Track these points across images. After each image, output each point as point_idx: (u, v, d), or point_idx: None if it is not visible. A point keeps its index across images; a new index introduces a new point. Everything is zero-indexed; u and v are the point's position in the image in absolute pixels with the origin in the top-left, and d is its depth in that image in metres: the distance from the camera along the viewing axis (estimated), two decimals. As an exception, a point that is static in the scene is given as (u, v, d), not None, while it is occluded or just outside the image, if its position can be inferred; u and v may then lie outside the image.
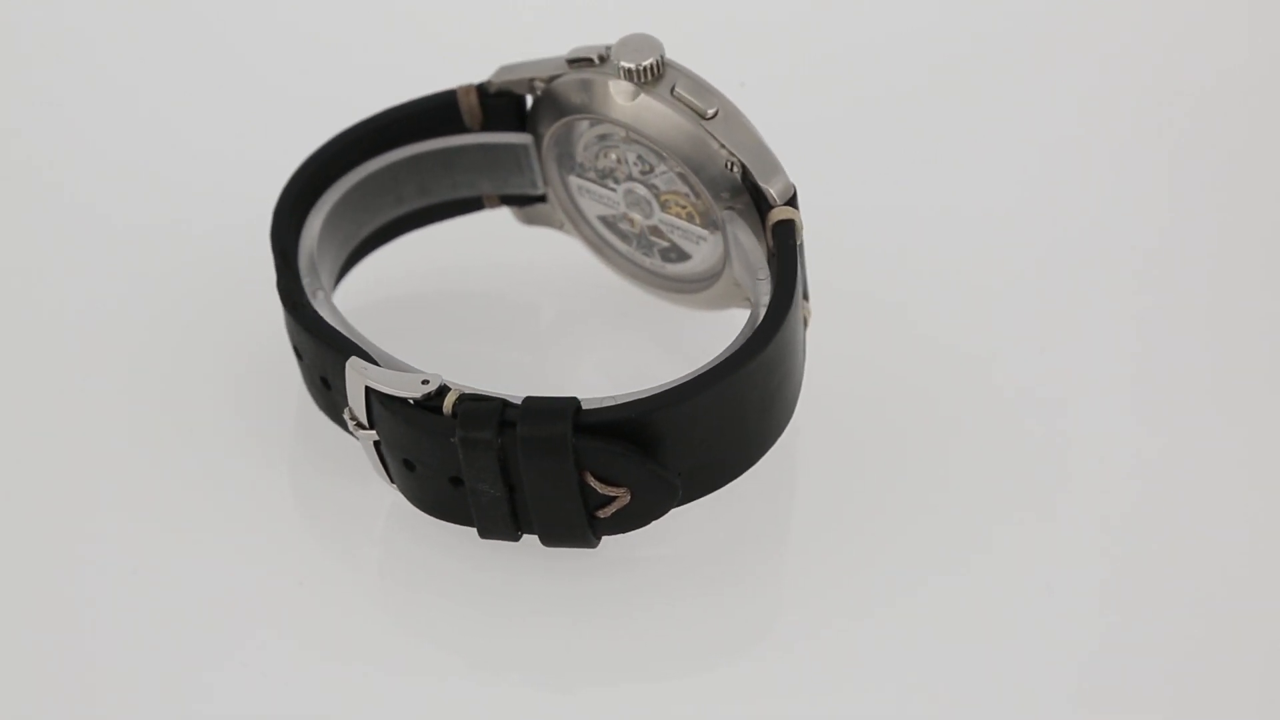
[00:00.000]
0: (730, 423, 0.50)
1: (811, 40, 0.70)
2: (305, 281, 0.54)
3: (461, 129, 0.57)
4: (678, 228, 0.56)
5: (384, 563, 0.53)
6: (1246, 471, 0.54)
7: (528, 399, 0.49)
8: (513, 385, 0.51)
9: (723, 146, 0.53)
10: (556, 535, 0.50)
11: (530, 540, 0.51)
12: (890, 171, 0.65)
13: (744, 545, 0.54)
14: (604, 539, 0.51)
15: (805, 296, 0.54)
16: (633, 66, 0.53)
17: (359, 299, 0.58)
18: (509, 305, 0.60)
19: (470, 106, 0.56)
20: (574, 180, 0.57)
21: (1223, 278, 0.60)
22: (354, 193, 0.56)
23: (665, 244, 0.56)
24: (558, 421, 0.48)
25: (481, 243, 0.60)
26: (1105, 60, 0.68)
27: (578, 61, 0.54)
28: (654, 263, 0.57)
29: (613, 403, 0.49)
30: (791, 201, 0.52)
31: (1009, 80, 0.68)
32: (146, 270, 0.60)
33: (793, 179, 0.52)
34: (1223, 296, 0.59)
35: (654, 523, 0.50)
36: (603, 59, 0.54)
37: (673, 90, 0.53)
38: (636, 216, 0.56)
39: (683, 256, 0.56)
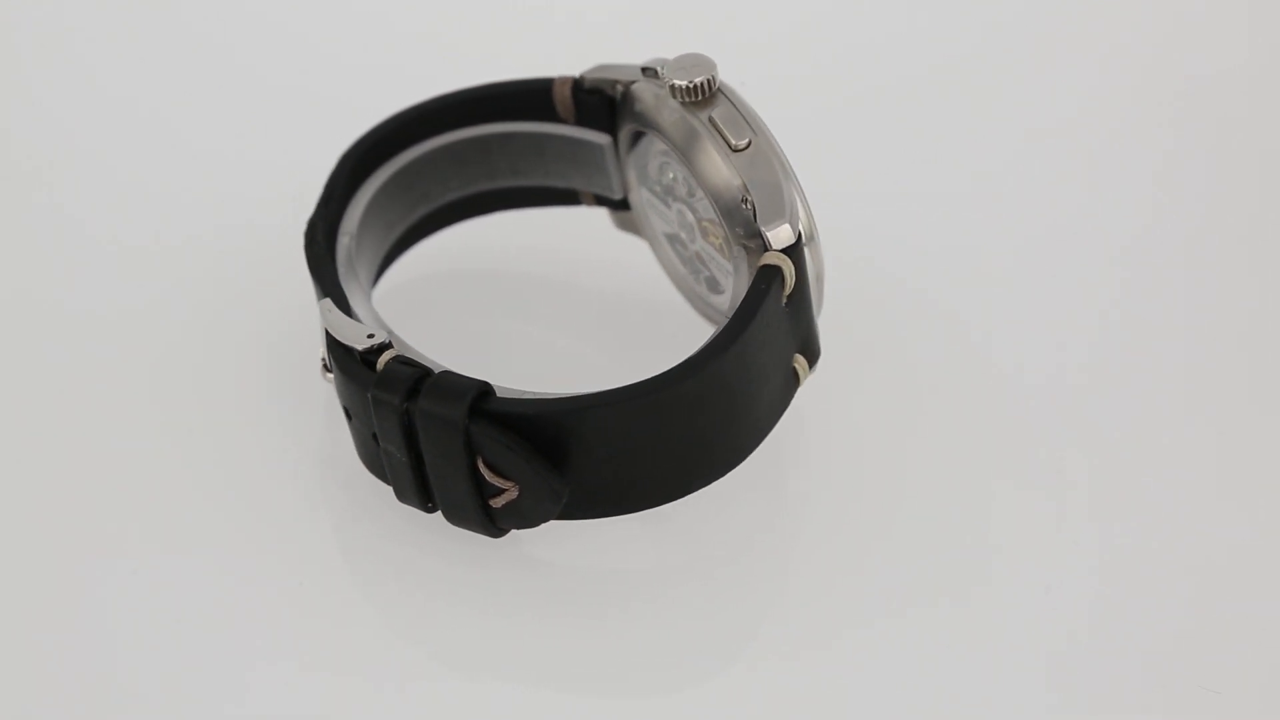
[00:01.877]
0: (644, 449, 0.49)
1: (811, 39, 0.69)
2: (343, 225, 0.56)
3: (556, 118, 0.57)
4: (713, 258, 0.55)
5: (391, 564, 0.53)
6: (1250, 470, 0.54)
7: (443, 373, 0.49)
8: (560, 380, 0.52)
9: (741, 182, 0.52)
10: (456, 515, 0.50)
11: (537, 544, 0.52)
12: (889, 171, 0.64)
13: (733, 550, 0.53)
14: (592, 542, 0.52)
15: (806, 353, 0.52)
16: (678, 84, 0.52)
17: (443, 264, 0.60)
18: (594, 301, 0.60)
19: (563, 98, 0.57)
20: (645, 193, 0.57)
21: (1224, 275, 0.59)
22: (438, 155, 0.58)
23: (707, 273, 0.56)
24: (455, 402, 0.48)
25: (590, 238, 0.61)
26: (1106, 58, 0.68)
27: (648, 70, 0.54)
28: (702, 290, 0.57)
29: (530, 397, 0.49)
30: (792, 250, 0.51)
31: (1008, 79, 0.67)
32: (155, 272, 0.62)
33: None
34: (1225, 294, 0.59)
35: (651, 526, 0.51)
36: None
37: (710, 116, 0.52)
38: (685, 238, 0.56)
39: (721, 289, 0.55)
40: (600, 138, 0.57)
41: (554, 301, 0.60)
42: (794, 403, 0.53)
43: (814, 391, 0.54)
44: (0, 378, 0.58)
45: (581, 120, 0.57)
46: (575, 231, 0.61)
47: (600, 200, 0.59)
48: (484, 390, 0.49)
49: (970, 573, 0.52)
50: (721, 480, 0.52)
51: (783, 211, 0.51)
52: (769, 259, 0.50)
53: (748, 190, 0.51)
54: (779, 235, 0.51)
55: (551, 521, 0.51)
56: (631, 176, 0.57)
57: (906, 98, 0.67)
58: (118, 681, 0.50)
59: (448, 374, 0.49)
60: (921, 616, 0.51)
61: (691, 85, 0.52)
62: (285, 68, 0.70)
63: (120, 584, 0.52)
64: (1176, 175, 0.63)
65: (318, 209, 0.55)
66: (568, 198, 0.59)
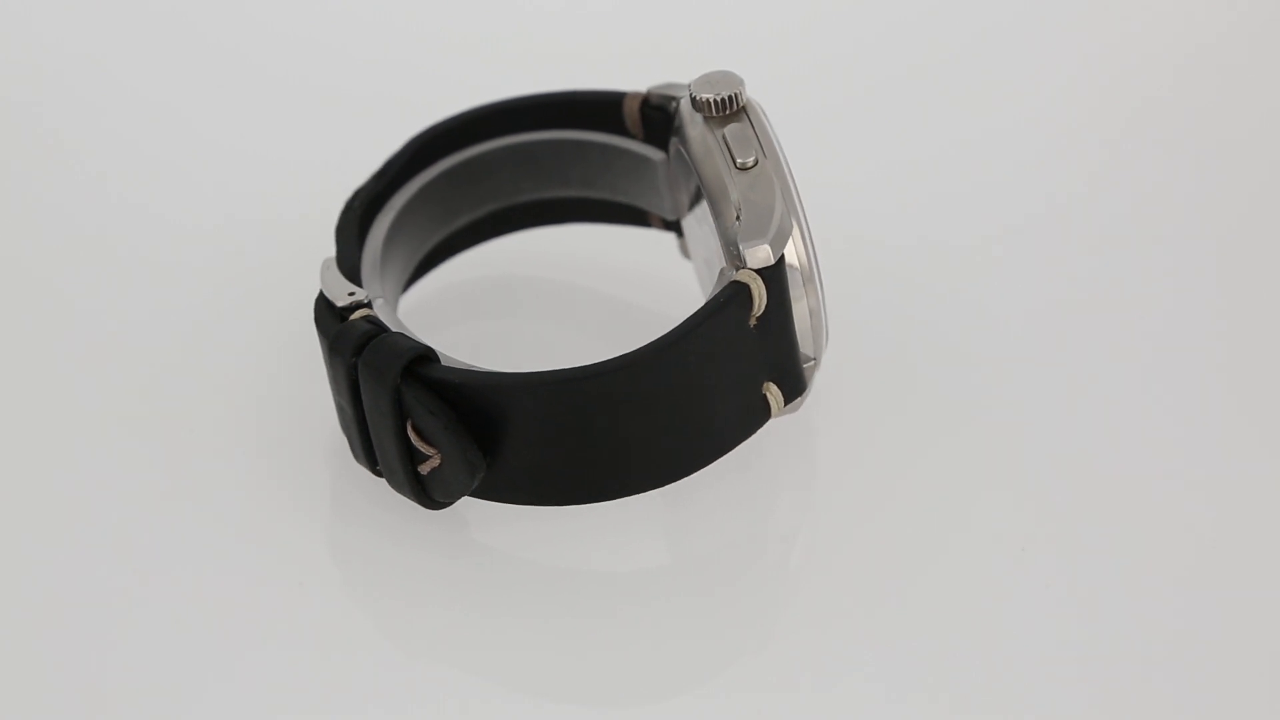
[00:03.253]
0: (568, 440, 0.49)
1: (807, 39, 0.68)
2: (392, 200, 0.57)
3: (626, 133, 0.57)
4: None
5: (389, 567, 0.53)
6: (1261, 486, 0.53)
7: (393, 334, 0.50)
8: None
9: (738, 200, 0.51)
10: (393, 479, 0.51)
11: (533, 549, 0.53)
12: (887, 171, 0.64)
13: (720, 560, 0.53)
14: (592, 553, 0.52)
15: (783, 385, 0.51)
16: (698, 98, 0.52)
17: (505, 267, 0.61)
18: (646, 320, 0.59)
19: (631, 112, 0.57)
20: (691, 217, 0.57)
21: (1221, 273, 0.60)
22: (511, 153, 0.58)
23: None
24: (391, 361, 0.49)
25: (658, 258, 0.61)
26: (1109, 56, 0.69)
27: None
28: (728, 320, 0.56)
29: (473, 369, 0.50)
30: (770, 273, 0.50)
31: (1006, 76, 0.68)
32: (155, 269, 0.62)
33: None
34: (1223, 293, 0.59)
35: (651, 531, 0.52)
36: None
37: (724, 133, 0.52)
38: (713, 262, 0.55)
39: None
40: (655, 154, 0.56)
41: (606, 317, 0.60)
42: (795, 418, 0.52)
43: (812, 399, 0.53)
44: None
45: (649, 137, 0.57)
46: (644, 250, 0.60)
47: (666, 224, 0.59)
48: (423, 354, 0.49)
49: (975, 594, 0.50)
50: (713, 488, 0.52)
51: (765, 232, 0.50)
52: (739, 275, 0.49)
53: (739, 208, 0.50)
54: (754, 253, 0.49)
55: (536, 516, 0.51)
56: (683, 198, 0.56)
57: (905, 96, 0.67)
58: (112, 677, 0.50)
59: (397, 335, 0.50)
60: (912, 622, 0.50)
61: (708, 100, 0.52)
62: (314, 70, 0.71)
63: (121, 582, 0.52)
64: (1185, 174, 0.63)
65: (369, 180, 0.57)
66: (637, 217, 0.59)
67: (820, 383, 0.53)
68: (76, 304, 0.61)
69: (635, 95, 0.57)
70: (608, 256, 0.61)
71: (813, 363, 0.52)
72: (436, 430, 0.49)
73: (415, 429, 0.49)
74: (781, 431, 0.53)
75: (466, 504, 0.52)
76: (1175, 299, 0.59)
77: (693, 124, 0.53)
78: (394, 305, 0.55)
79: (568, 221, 0.60)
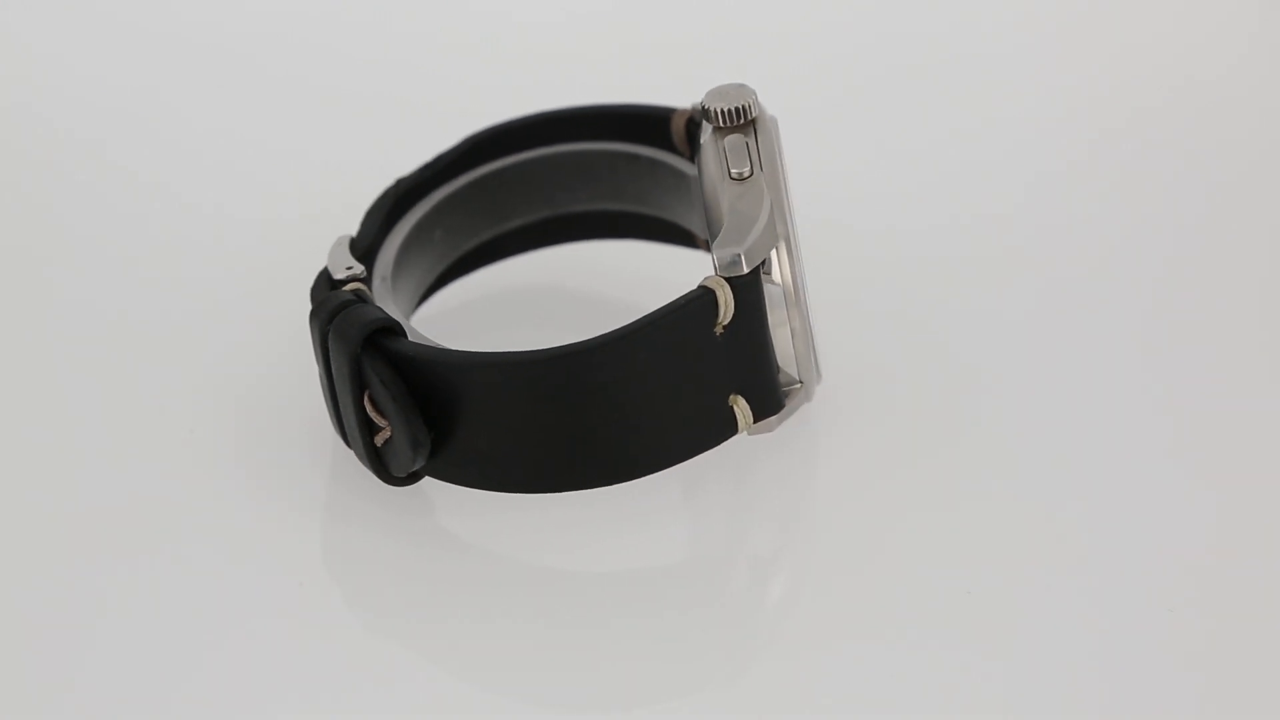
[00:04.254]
0: (514, 425, 0.49)
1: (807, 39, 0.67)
2: (435, 192, 0.57)
3: (674, 149, 0.57)
4: None
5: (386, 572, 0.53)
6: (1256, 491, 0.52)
7: (365, 305, 0.51)
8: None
9: (726, 208, 0.50)
10: (355, 449, 0.51)
11: (520, 547, 0.53)
12: (887, 169, 0.64)
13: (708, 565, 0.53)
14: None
15: (752, 399, 0.50)
16: (708, 108, 0.52)
17: (555, 277, 0.61)
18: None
19: (678, 129, 0.57)
20: None
21: (1218, 274, 0.59)
22: (566, 161, 0.58)
23: None
24: (354, 330, 0.50)
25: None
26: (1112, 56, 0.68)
27: None
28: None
29: (433, 345, 0.50)
30: (742, 283, 0.49)
31: (1004, 76, 0.68)
32: (155, 272, 0.63)
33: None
34: (1219, 292, 0.58)
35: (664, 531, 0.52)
36: None
37: (724, 143, 0.51)
38: None
39: None
40: (690, 168, 0.56)
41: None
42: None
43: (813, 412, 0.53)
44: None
45: (693, 155, 0.57)
46: (693, 268, 0.60)
47: (707, 245, 0.58)
48: (386, 326, 0.50)
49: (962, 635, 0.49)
50: (703, 499, 0.52)
51: (741, 240, 0.49)
52: (706, 280, 0.49)
53: (724, 217, 0.50)
54: (724, 259, 0.49)
55: (522, 510, 0.51)
56: (715, 215, 0.56)
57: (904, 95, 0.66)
58: (107, 671, 0.50)
59: (369, 306, 0.50)
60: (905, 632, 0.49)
61: (717, 110, 0.52)
62: (314, 70, 0.72)
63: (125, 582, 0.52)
64: (1184, 173, 0.63)
65: (416, 170, 0.57)
66: (685, 238, 0.59)
67: (822, 392, 0.53)
68: (75, 304, 0.62)
69: (682, 112, 0.57)
70: (654, 271, 0.60)
71: (799, 386, 0.51)
72: (387, 402, 0.49)
73: (371, 399, 0.50)
74: (781, 441, 0.52)
75: (452, 497, 0.52)
76: (1175, 297, 0.58)
77: (704, 134, 0.53)
78: (411, 293, 0.56)
79: (622, 238, 0.60)
